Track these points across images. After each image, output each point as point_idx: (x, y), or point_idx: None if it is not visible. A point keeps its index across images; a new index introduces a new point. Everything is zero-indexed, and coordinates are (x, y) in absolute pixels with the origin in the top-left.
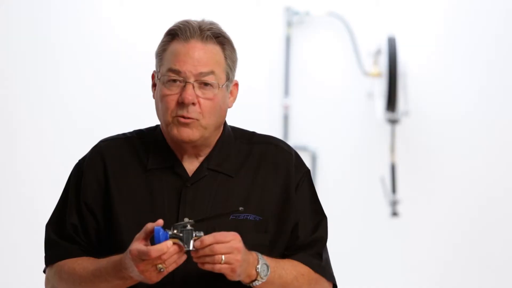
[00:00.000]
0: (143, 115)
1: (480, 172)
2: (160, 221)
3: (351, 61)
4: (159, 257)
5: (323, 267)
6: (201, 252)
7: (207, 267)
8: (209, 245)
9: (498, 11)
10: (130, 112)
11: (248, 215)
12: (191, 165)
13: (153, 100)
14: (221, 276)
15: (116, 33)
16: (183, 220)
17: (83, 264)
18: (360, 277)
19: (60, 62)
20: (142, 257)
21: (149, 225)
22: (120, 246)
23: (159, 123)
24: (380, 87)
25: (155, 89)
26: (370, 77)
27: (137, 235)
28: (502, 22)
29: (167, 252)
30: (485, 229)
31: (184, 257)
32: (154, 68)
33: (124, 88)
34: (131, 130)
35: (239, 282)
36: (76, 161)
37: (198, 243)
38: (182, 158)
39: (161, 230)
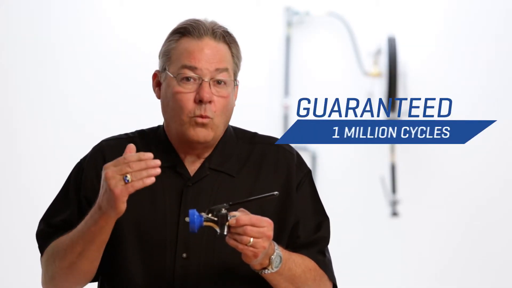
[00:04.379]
0: (143, 115)
1: (480, 172)
2: (131, 146)
3: (351, 61)
4: (128, 163)
5: (326, 265)
6: (233, 230)
7: (232, 243)
8: (244, 225)
9: (498, 11)
10: (131, 112)
11: None
12: (193, 165)
13: (154, 100)
14: (221, 276)
15: (116, 33)
16: (184, 219)
17: (67, 234)
18: (360, 277)
19: (60, 62)
20: (116, 163)
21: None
22: (120, 244)
23: (160, 123)
24: (380, 87)
25: (159, 89)
26: (370, 77)
27: None
28: (502, 22)
29: (142, 161)
30: (485, 229)
31: (153, 180)
32: (155, 68)
33: (125, 88)
34: (131, 130)
35: (239, 282)
36: (76, 160)
37: (233, 221)
38: (184, 158)
39: (196, 213)
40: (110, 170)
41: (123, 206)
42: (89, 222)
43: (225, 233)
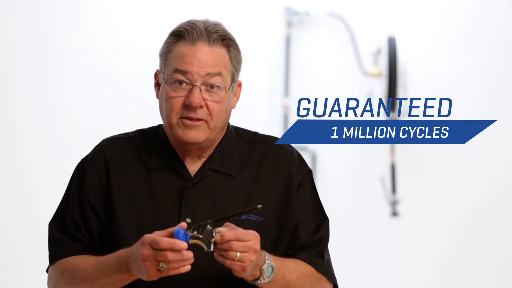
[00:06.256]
0: (144, 114)
1: (479, 172)
2: (183, 224)
3: (351, 61)
4: (165, 254)
5: (325, 267)
6: (219, 246)
7: (220, 259)
8: (229, 241)
9: (497, 11)
10: (131, 111)
11: (249, 216)
12: (193, 165)
13: (154, 100)
14: (221, 278)
15: (116, 33)
16: (184, 220)
17: (85, 259)
18: (360, 277)
19: (61, 62)
20: (152, 245)
21: (172, 228)
22: (120, 245)
23: (161, 122)
24: (380, 87)
25: (158, 89)
26: (370, 77)
27: (159, 231)
28: (502, 22)
29: (176, 253)
30: (485, 229)
31: (188, 268)
32: (155, 68)
33: (125, 88)
34: (132, 129)
35: (239, 285)
36: (77, 160)
37: (218, 237)
38: (184, 158)
39: (181, 231)
40: (146, 251)
41: (155, 279)
42: (114, 270)
43: (212, 249)
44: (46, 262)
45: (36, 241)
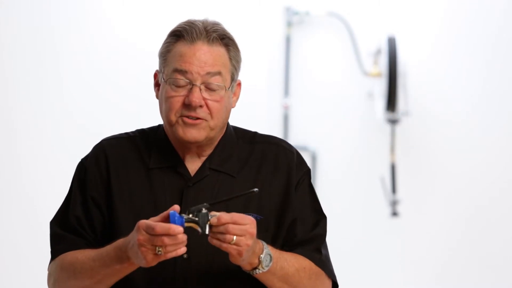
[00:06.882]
0: (144, 114)
1: (479, 172)
2: (176, 207)
3: (351, 61)
4: (161, 239)
5: (323, 261)
6: (215, 229)
7: (215, 243)
8: (225, 223)
9: (497, 11)
10: (131, 111)
11: (249, 214)
12: (193, 165)
13: (154, 100)
14: (222, 276)
15: (116, 33)
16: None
17: (85, 252)
18: (360, 277)
19: (61, 62)
20: (148, 230)
21: (166, 212)
22: None
23: (161, 122)
24: (380, 87)
25: (158, 89)
26: (370, 77)
27: (154, 217)
28: (502, 22)
29: (172, 237)
30: (484, 229)
31: (184, 250)
32: (155, 68)
33: (125, 87)
34: (132, 129)
35: (239, 283)
36: (77, 160)
37: (215, 219)
38: (184, 158)
39: (177, 214)
40: (142, 236)
41: (153, 264)
42: (114, 260)
43: (207, 232)
44: (46, 261)
45: (36, 241)
